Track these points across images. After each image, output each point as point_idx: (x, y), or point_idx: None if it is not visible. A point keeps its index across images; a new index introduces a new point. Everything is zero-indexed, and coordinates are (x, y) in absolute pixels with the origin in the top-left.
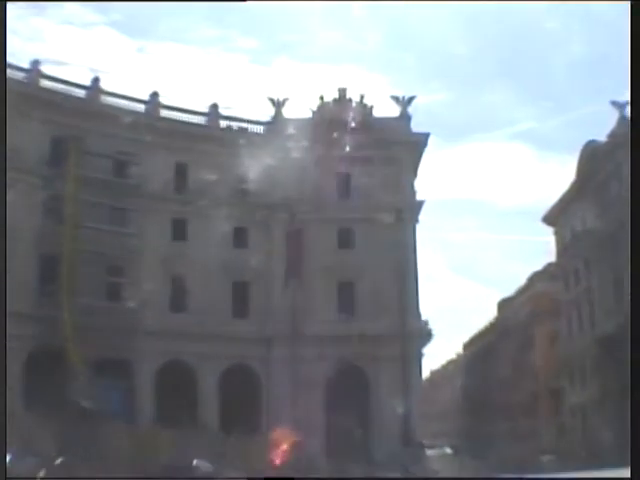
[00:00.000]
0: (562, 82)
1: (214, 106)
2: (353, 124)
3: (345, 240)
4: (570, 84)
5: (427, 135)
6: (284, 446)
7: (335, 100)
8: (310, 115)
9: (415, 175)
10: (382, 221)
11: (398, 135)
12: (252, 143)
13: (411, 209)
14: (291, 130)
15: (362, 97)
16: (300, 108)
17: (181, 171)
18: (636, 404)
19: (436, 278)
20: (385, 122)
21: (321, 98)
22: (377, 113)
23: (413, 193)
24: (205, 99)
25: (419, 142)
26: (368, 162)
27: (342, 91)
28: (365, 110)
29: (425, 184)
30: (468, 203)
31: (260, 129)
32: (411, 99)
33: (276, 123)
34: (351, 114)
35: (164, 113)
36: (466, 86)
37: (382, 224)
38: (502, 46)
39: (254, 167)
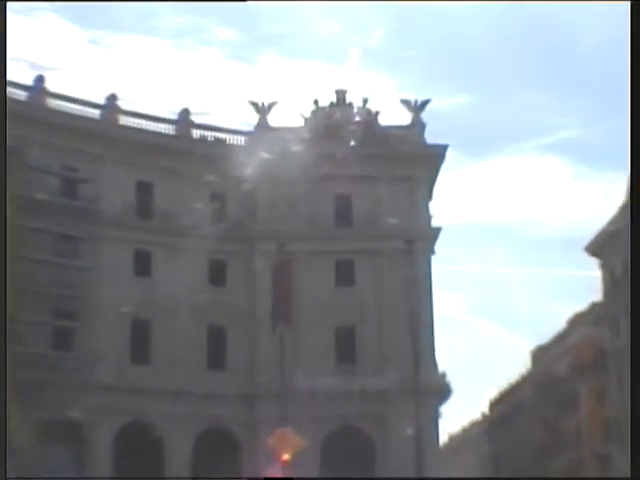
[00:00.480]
0: (605, 82)
1: (185, 112)
2: (355, 134)
3: (345, 275)
4: (615, 83)
5: (444, 147)
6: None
7: (332, 104)
8: (302, 123)
9: (430, 196)
10: (390, 252)
11: (409, 147)
12: (232, 157)
13: (425, 238)
14: (279, 141)
15: (365, 101)
16: (290, 114)
17: (145, 192)
18: (636, 404)
19: (456, 321)
20: (394, 131)
21: (315, 102)
22: (384, 120)
23: (428, 218)
24: (174, 103)
25: (435, 156)
26: (373, 181)
27: (341, 94)
28: (369, 117)
29: (442, 207)
30: (494, 230)
31: (241, 140)
32: (425, 103)
33: (261, 133)
34: (352, 122)
35: (124, 120)
36: (490, 87)
37: (390, 256)
38: (529, 41)
39: (234, 187)
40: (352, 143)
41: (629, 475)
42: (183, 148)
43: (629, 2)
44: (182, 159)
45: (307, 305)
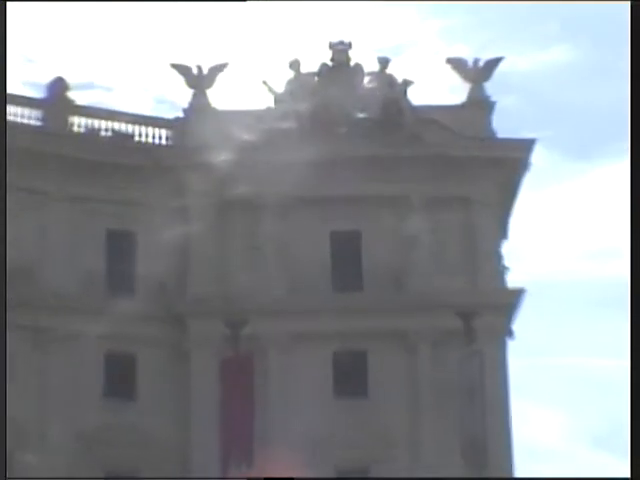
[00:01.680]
0: None
1: (58, 84)
2: (365, 122)
3: (350, 379)
4: None
5: (530, 144)
6: None
7: (325, 68)
8: (272, 102)
9: (504, 233)
10: (431, 336)
11: (465, 145)
12: (143, 167)
13: (495, 309)
14: (229, 136)
15: (385, 62)
16: (249, 86)
17: None
18: (636, 404)
19: (551, 453)
20: (436, 116)
21: (294, 65)
22: (418, 97)
23: (499, 273)
24: (38, 69)
25: (512, 160)
26: (400, 206)
27: (341, 49)
28: (392, 90)
29: (526, 253)
30: (615, 291)
31: (161, 134)
32: (492, 64)
33: (196, 120)
34: (361, 99)
35: None
36: (606, 35)
37: (431, 342)
38: None
39: (150, 220)
40: (361, 138)
41: None
42: (55, 151)
43: (629, 2)
44: (53, 172)
45: (283, 433)
